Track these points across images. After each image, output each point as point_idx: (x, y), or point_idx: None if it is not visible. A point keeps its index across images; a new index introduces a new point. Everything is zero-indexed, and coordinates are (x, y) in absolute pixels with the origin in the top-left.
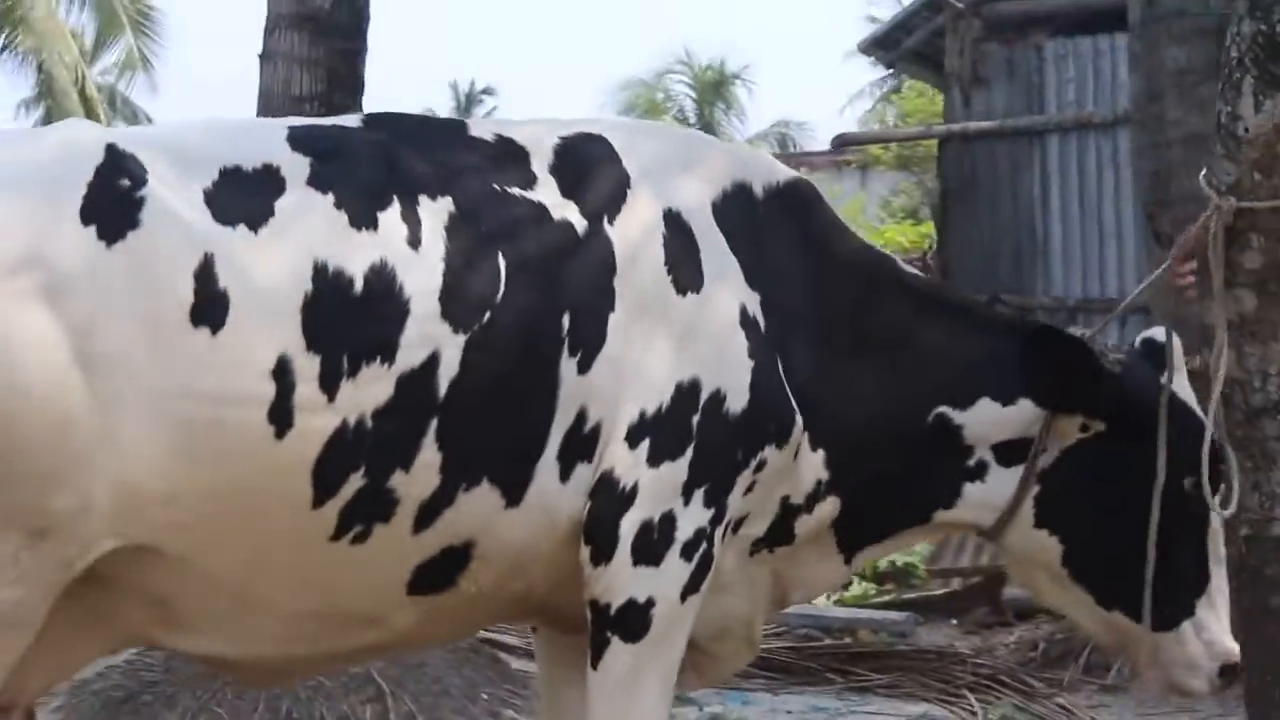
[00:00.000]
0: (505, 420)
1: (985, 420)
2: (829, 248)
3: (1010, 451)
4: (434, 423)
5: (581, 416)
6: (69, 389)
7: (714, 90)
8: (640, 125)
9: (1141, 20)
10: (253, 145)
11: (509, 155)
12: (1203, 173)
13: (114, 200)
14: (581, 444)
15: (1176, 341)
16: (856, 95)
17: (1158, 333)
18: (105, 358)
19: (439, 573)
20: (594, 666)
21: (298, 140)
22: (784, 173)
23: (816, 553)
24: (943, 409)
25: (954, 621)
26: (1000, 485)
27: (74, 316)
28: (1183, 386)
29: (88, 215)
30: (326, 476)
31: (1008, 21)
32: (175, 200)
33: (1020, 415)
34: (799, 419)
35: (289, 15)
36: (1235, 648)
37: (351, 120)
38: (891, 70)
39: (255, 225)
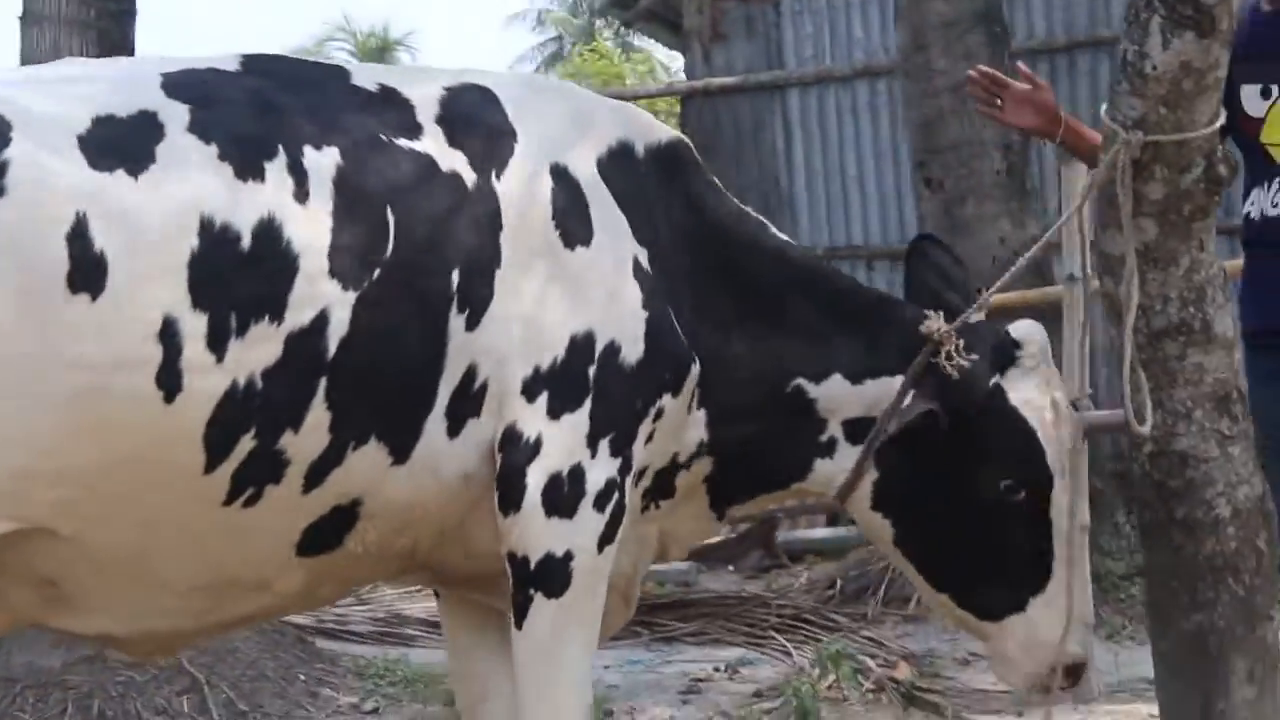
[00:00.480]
0: (393, 378)
1: (836, 396)
2: (705, 209)
3: (858, 430)
4: (323, 382)
5: (470, 373)
6: None
7: (377, 57)
8: (526, 79)
9: None
10: (127, 91)
11: (393, 106)
12: (1104, 108)
13: None
14: (470, 401)
15: (1035, 338)
16: (519, 60)
17: (1022, 327)
18: None
19: (327, 533)
20: (518, 626)
21: (174, 85)
22: (664, 132)
23: (693, 509)
24: (799, 380)
25: (730, 568)
26: (845, 463)
27: None
28: (1026, 388)
29: None
30: (218, 439)
31: None
32: (44, 159)
33: (867, 394)
34: (695, 365)
35: None
36: (1070, 651)
37: (228, 63)
38: (558, 37)
39: (134, 174)
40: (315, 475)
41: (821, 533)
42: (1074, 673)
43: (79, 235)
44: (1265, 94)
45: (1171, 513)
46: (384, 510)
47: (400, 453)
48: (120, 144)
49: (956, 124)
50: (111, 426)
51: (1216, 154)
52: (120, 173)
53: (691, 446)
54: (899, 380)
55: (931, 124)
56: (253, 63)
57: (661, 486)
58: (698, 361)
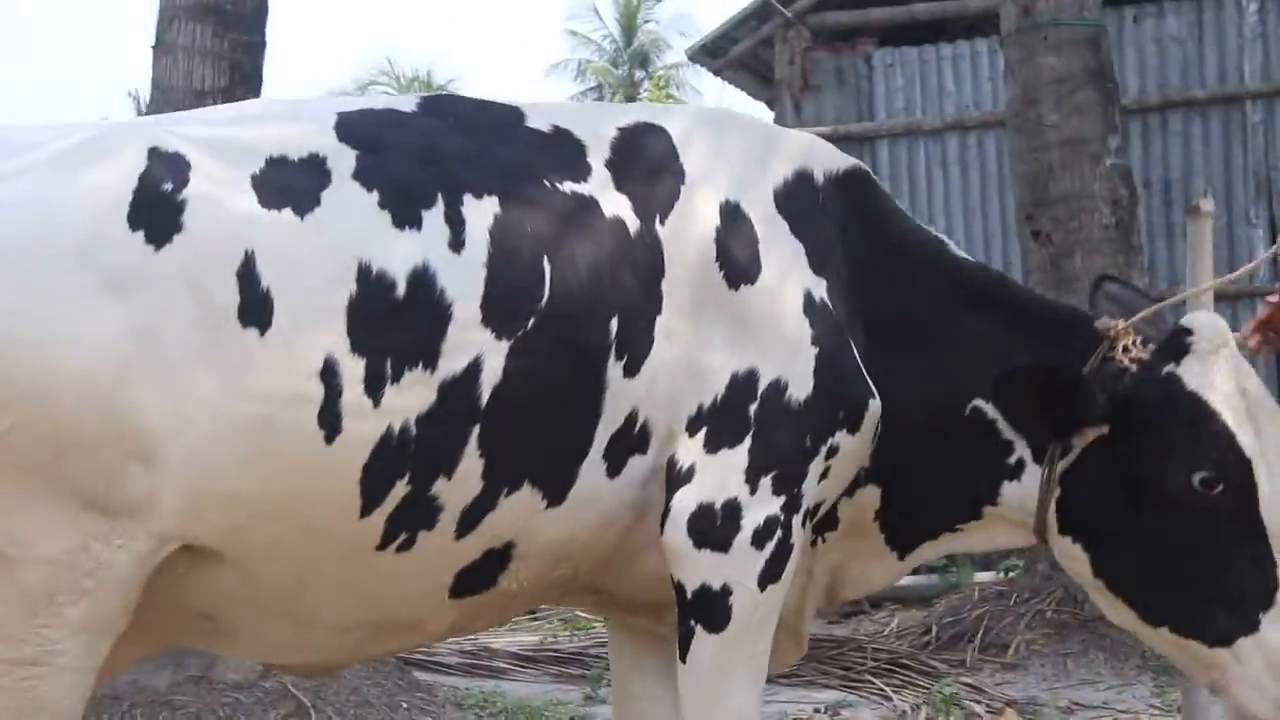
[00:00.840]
0: (547, 425)
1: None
2: (885, 232)
3: (1043, 450)
4: (476, 429)
5: (631, 417)
6: (122, 389)
7: None
8: (701, 113)
9: (1017, 29)
10: (299, 132)
11: (564, 148)
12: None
13: (157, 204)
14: (631, 441)
15: (1211, 325)
16: None
17: (1196, 317)
18: (165, 358)
19: (481, 575)
20: (682, 659)
21: (345, 128)
22: (844, 160)
23: (869, 548)
24: (978, 401)
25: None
26: (1031, 482)
27: (130, 318)
28: (1205, 373)
29: (134, 220)
30: (373, 483)
31: (834, 31)
32: (218, 198)
33: None
34: (874, 402)
35: (189, 6)
36: None
37: (407, 103)
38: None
39: (300, 216)
40: (468, 521)
41: (905, 580)
42: None
43: (247, 271)
44: None
45: None
46: (538, 550)
47: (554, 495)
48: (286, 187)
49: (1066, 177)
50: (275, 458)
51: None
52: (288, 213)
53: (851, 474)
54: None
55: (1040, 177)
56: (431, 104)
57: (827, 518)
58: (877, 396)
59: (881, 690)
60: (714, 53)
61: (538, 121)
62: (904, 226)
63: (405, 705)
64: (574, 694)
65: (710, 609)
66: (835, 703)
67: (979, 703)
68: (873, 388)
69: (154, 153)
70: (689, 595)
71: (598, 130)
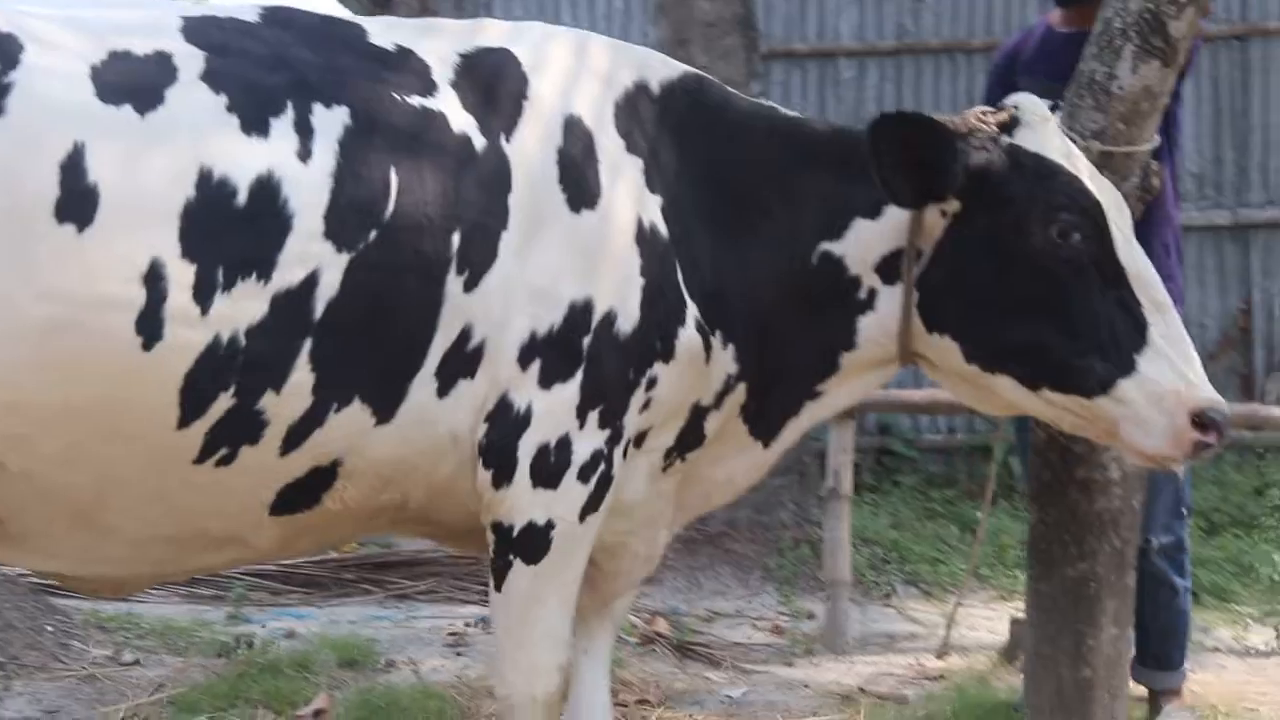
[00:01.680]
0: (382, 340)
1: (862, 242)
2: (722, 124)
3: (890, 267)
4: (308, 343)
5: (465, 334)
6: None
7: None
8: (545, 31)
9: None
10: (145, 29)
11: (410, 65)
12: (1059, 116)
13: None
14: (463, 361)
15: (1033, 101)
16: None
17: (1015, 97)
18: None
19: (304, 493)
20: (498, 589)
21: (193, 30)
22: (677, 68)
23: (732, 447)
24: (823, 245)
25: None
26: (891, 307)
27: None
28: (1040, 139)
29: None
30: (195, 394)
31: None
32: (50, 84)
33: (890, 224)
34: (685, 332)
35: None
36: (1203, 395)
37: (248, 12)
38: None
39: (141, 113)
40: (295, 437)
41: None
42: (1208, 425)
43: (73, 164)
44: None
45: (1072, 473)
46: (366, 469)
47: (384, 413)
48: (132, 82)
49: None
50: (80, 365)
51: (1150, 167)
52: (127, 109)
53: (718, 386)
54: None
55: None
56: (272, 15)
57: (684, 441)
58: (691, 325)
59: None
60: None
61: (381, 39)
62: (738, 112)
63: (50, 629)
64: (216, 614)
65: (532, 542)
66: (482, 617)
67: (630, 615)
68: (691, 315)
69: None
70: (515, 532)
71: (442, 49)
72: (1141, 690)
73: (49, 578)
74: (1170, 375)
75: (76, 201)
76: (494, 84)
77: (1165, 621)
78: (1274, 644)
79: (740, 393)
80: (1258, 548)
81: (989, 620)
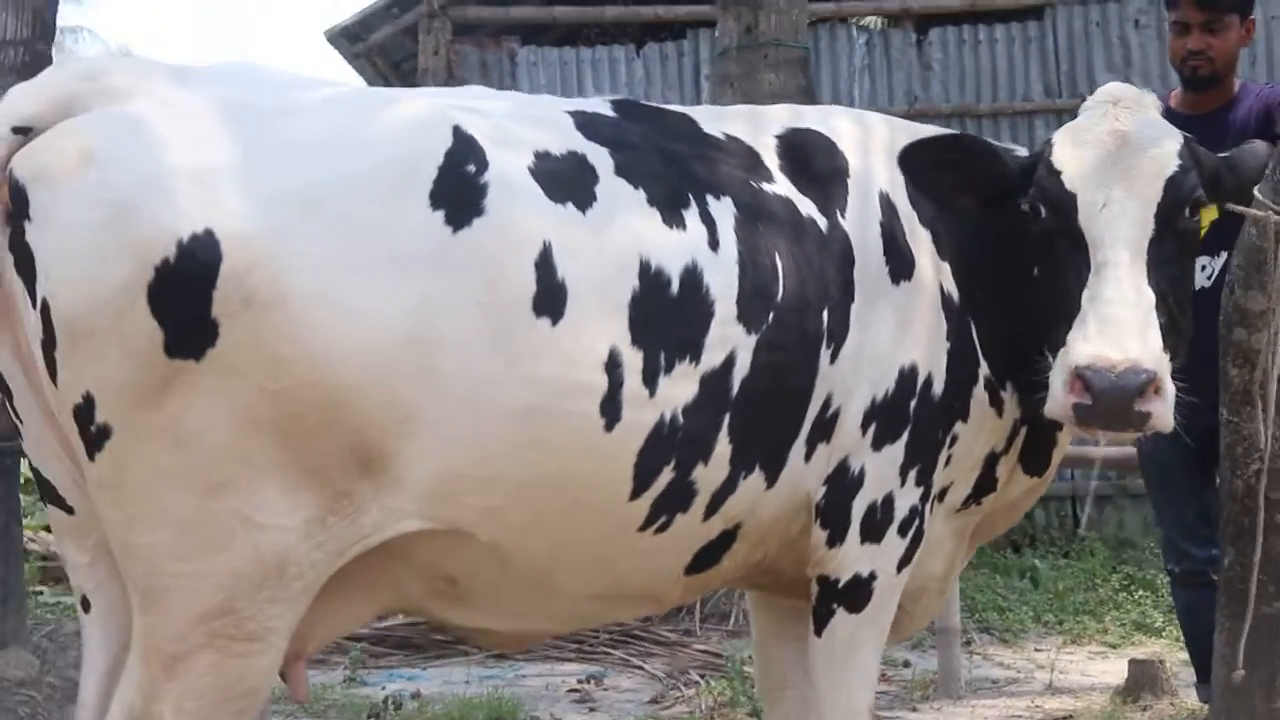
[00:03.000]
0: (778, 412)
1: None
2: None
3: None
4: (728, 417)
5: (827, 403)
6: (401, 367)
7: None
8: (837, 110)
9: (739, 45)
10: (548, 128)
11: (743, 152)
12: (1257, 187)
13: (461, 185)
14: (824, 427)
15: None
16: None
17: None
18: (442, 341)
19: (713, 553)
20: (818, 634)
21: (585, 127)
22: (931, 133)
23: (1013, 486)
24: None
25: None
26: None
27: (414, 296)
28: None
29: (437, 199)
30: (645, 469)
31: (475, 25)
32: (513, 184)
33: None
34: (977, 389)
35: None
36: (1083, 351)
37: (603, 107)
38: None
39: (583, 211)
40: (715, 503)
41: None
42: (1088, 383)
43: (545, 262)
44: None
45: (1271, 518)
46: (754, 530)
47: (772, 478)
48: (564, 181)
49: None
50: (550, 445)
51: None
52: (571, 206)
53: (1008, 432)
54: None
55: None
56: (623, 108)
57: (980, 488)
58: (981, 381)
59: (625, 659)
60: (353, 38)
61: (710, 127)
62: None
63: None
64: (324, 677)
65: (857, 593)
66: (589, 673)
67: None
68: (983, 374)
69: (458, 132)
70: (842, 584)
71: (759, 136)
72: None
73: (468, 633)
74: (1078, 335)
75: (550, 297)
76: (815, 164)
77: None
78: None
79: (1023, 435)
80: None
81: (1074, 662)
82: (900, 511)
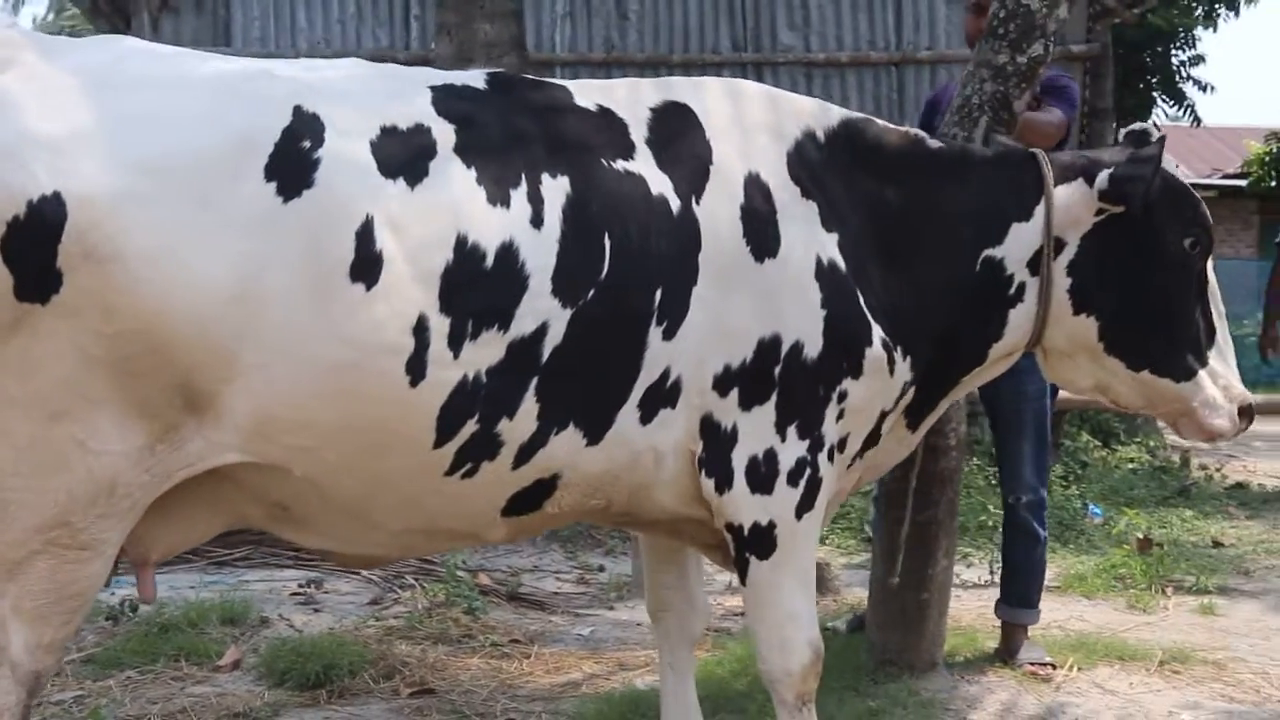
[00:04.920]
0: (594, 378)
1: (1019, 242)
2: (876, 164)
3: (1036, 261)
4: (535, 380)
5: (665, 374)
6: (226, 321)
7: None
8: (714, 85)
9: None
10: (402, 102)
11: (611, 127)
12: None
13: (294, 160)
14: (663, 394)
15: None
16: None
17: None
18: (268, 300)
19: (529, 499)
20: (742, 582)
21: (440, 103)
22: (836, 113)
23: (891, 438)
24: (985, 252)
25: None
26: (1034, 296)
27: (242, 258)
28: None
29: (270, 172)
30: (448, 422)
31: None
32: (345, 160)
33: (1038, 223)
34: (870, 350)
35: None
36: (1247, 392)
37: (476, 79)
38: None
39: (411, 186)
40: (523, 454)
41: None
42: (1247, 413)
43: (365, 233)
44: None
45: (926, 440)
46: (579, 480)
47: (594, 436)
48: (400, 157)
49: None
50: (358, 397)
51: None
52: (401, 182)
53: (897, 392)
54: (1062, 190)
55: None
56: (496, 83)
57: (867, 443)
58: (876, 342)
59: (343, 569)
60: None
61: (584, 100)
62: (893, 147)
63: None
64: None
65: (760, 541)
66: (311, 578)
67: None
68: (873, 332)
69: (298, 111)
70: (745, 533)
71: (634, 109)
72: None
73: (323, 554)
74: (1229, 371)
75: (367, 264)
76: (679, 144)
77: (1029, 567)
78: (988, 577)
79: (910, 395)
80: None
81: None
82: (786, 464)
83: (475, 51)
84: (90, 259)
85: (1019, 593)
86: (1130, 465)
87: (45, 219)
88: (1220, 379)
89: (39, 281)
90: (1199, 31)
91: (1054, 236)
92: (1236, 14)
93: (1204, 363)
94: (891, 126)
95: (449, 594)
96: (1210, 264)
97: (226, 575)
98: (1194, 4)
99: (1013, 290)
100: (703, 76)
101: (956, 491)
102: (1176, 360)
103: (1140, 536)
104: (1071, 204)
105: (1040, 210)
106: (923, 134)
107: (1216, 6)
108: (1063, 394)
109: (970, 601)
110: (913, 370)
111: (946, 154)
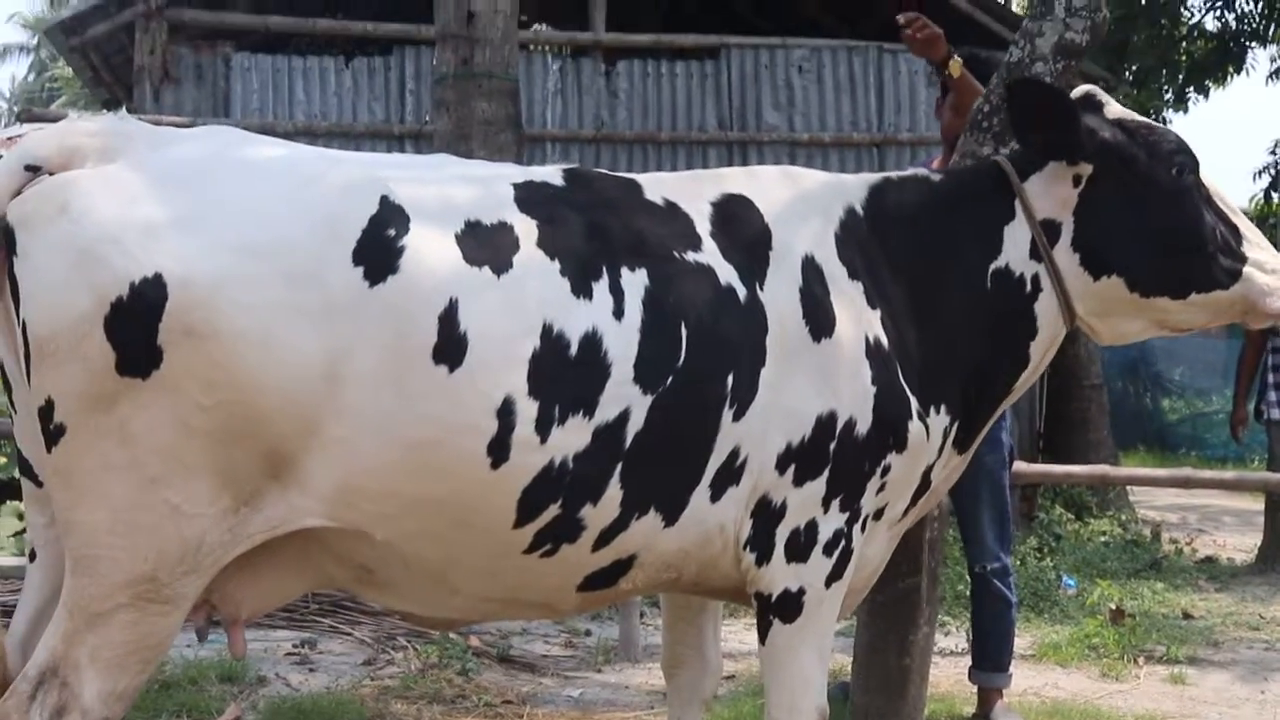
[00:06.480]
0: (673, 462)
1: (1014, 242)
2: (902, 227)
3: (1034, 249)
4: (619, 466)
5: (734, 454)
6: (315, 397)
7: None
8: (763, 173)
9: (455, 74)
10: (487, 199)
11: (678, 220)
12: None
13: (380, 247)
14: (732, 473)
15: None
16: None
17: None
18: (354, 378)
19: (606, 577)
20: (763, 644)
21: (523, 201)
22: (867, 183)
23: (945, 466)
24: (990, 266)
25: None
26: (1048, 282)
27: (331, 338)
28: (1114, 109)
29: (358, 257)
30: (529, 504)
31: (192, 28)
32: (429, 248)
33: (1020, 217)
34: (913, 424)
35: None
36: None
37: (554, 176)
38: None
39: (498, 274)
40: (604, 538)
41: None
42: None
43: (449, 318)
44: None
45: None
46: (653, 560)
47: (671, 518)
48: (485, 248)
49: None
50: (438, 473)
51: None
52: (487, 271)
53: (939, 443)
54: (1035, 178)
55: None
56: (573, 179)
57: (916, 497)
58: (916, 417)
59: (335, 627)
60: (69, 31)
61: (652, 194)
62: (904, 202)
63: None
64: None
65: (787, 606)
66: (305, 639)
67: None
68: (915, 409)
69: (384, 201)
70: (774, 599)
71: (694, 201)
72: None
73: (403, 615)
74: (1271, 255)
75: (450, 347)
76: (741, 232)
77: (999, 632)
78: (964, 645)
79: (954, 431)
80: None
81: (733, 632)
82: (824, 535)
83: (473, 128)
84: (191, 336)
85: (991, 657)
86: (1103, 538)
87: (147, 299)
88: (1267, 265)
89: (141, 357)
90: (1168, 114)
91: (1047, 220)
92: (1206, 97)
93: (1242, 259)
94: (897, 178)
95: (442, 655)
96: (1203, 172)
97: (221, 634)
98: (1164, 86)
99: (1028, 288)
100: (759, 166)
101: (939, 559)
102: (1215, 271)
103: (1113, 608)
104: (1050, 187)
105: (1019, 203)
106: (924, 172)
107: (1186, 91)
108: (1018, 465)
109: (948, 668)
110: (950, 414)
111: (942, 186)
